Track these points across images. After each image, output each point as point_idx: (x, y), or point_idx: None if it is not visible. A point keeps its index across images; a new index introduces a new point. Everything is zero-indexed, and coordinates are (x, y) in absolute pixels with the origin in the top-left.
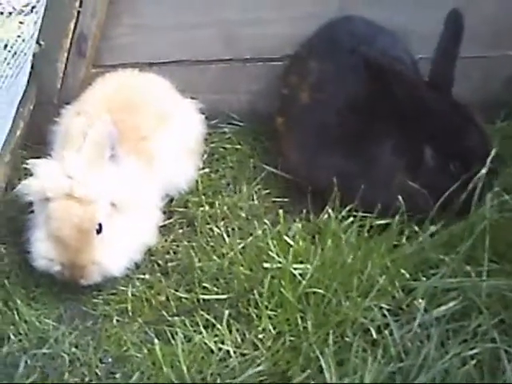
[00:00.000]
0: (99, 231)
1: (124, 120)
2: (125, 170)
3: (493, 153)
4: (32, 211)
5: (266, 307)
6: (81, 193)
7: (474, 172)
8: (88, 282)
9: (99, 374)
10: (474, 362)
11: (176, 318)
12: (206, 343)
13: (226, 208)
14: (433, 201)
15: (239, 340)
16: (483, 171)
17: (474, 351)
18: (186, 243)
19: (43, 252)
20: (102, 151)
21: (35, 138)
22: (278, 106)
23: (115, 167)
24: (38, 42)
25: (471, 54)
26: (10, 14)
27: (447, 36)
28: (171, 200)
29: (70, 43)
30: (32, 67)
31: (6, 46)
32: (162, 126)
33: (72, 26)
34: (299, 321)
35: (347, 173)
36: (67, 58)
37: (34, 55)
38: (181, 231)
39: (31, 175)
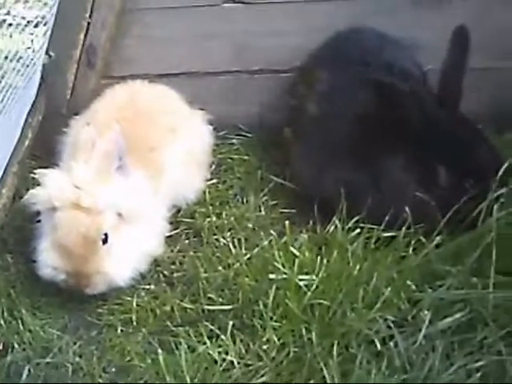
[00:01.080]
0: (105, 241)
1: (132, 131)
2: (132, 180)
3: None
4: (39, 221)
5: (271, 318)
6: (88, 203)
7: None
8: (93, 291)
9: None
10: (479, 374)
11: (180, 328)
12: (209, 354)
13: (232, 219)
14: (445, 215)
15: (243, 351)
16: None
17: (480, 363)
18: (192, 254)
19: (49, 261)
20: (110, 162)
21: (44, 149)
22: (287, 117)
23: (123, 178)
24: (47, 53)
25: (481, 66)
26: (19, 25)
27: (455, 51)
28: (178, 210)
29: (80, 54)
30: (42, 78)
31: (15, 56)
32: (171, 137)
33: (82, 37)
34: (304, 332)
35: (355, 185)
36: (77, 69)
37: (43, 66)
38: (187, 242)
39: (39, 185)
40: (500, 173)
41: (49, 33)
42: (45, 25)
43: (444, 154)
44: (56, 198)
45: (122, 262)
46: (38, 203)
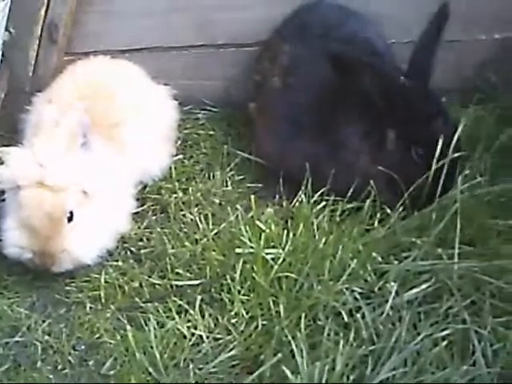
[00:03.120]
0: (70, 219)
1: (95, 107)
2: (97, 157)
3: (456, 138)
4: (3, 200)
5: (239, 292)
6: (52, 181)
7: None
8: (59, 269)
9: (72, 361)
10: (445, 343)
11: (149, 304)
12: (178, 329)
13: (199, 194)
14: (396, 186)
15: (212, 325)
16: (446, 160)
17: (446, 332)
18: (159, 230)
19: (14, 240)
20: (74, 139)
21: (7, 127)
22: (251, 92)
23: (87, 155)
24: (7, 30)
25: (445, 38)
26: None
27: (432, 27)
28: (144, 187)
29: (41, 30)
30: (2, 55)
31: None
32: (135, 112)
33: (43, 13)
34: (271, 305)
35: (317, 157)
36: (38, 46)
37: (3, 43)
38: (154, 218)
39: (2, 163)
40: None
41: (7, 9)
42: (3, 0)
43: (396, 120)
44: (20, 177)
45: (87, 239)
46: (1, 182)
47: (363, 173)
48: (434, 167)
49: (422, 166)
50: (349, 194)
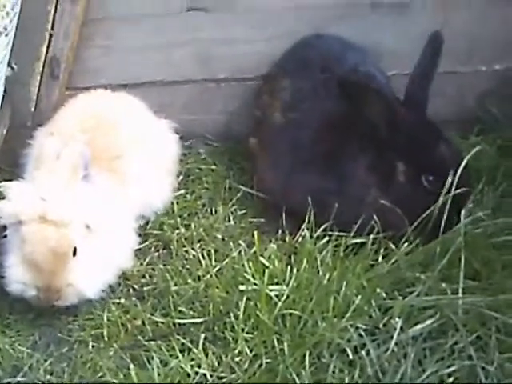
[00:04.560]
0: (74, 253)
1: (96, 140)
2: (98, 189)
3: (463, 163)
4: (5, 236)
5: (242, 330)
6: (55, 215)
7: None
8: (64, 303)
9: None
10: (451, 379)
11: (152, 342)
12: (182, 367)
13: (201, 230)
14: (407, 217)
15: (216, 363)
16: (449, 194)
17: (452, 369)
18: (161, 266)
19: (18, 276)
20: (76, 172)
21: (8, 161)
22: (251, 127)
23: (88, 187)
24: (9, 65)
25: (445, 70)
26: None
27: (426, 56)
28: (147, 223)
29: (43, 66)
30: (5, 91)
31: None
32: (136, 145)
33: (44, 48)
34: (275, 343)
35: (321, 192)
36: (40, 81)
37: (6, 78)
38: (156, 254)
39: (3, 198)
40: (465, 177)
41: (10, 44)
42: (6, 36)
43: (404, 151)
44: (22, 212)
45: (91, 273)
46: (3, 217)
47: (372, 206)
48: (447, 192)
49: (434, 192)
50: (355, 228)
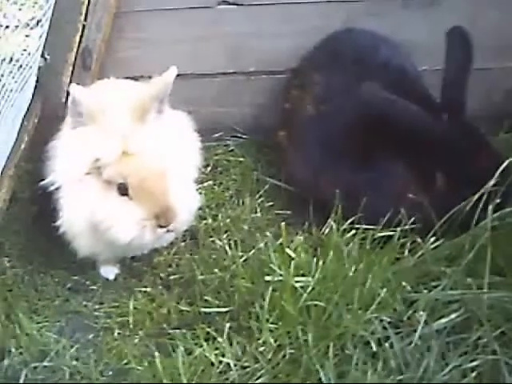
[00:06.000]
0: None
1: None
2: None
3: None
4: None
5: (267, 320)
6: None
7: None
8: (177, 225)
9: None
10: (474, 374)
11: (177, 330)
12: (206, 356)
13: (228, 221)
14: (441, 218)
15: (240, 353)
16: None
17: (475, 363)
18: (188, 256)
19: (132, 215)
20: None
21: (40, 151)
22: (280, 120)
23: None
24: (43, 56)
25: (474, 66)
26: (16, 27)
27: (452, 53)
28: None
29: (75, 57)
30: (37, 81)
31: (11, 59)
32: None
33: (77, 39)
34: (300, 333)
35: (352, 186)
36: (72, 72)
37: (39, 69)
38: (183, 244)
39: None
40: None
41: (44, 35)
42: (41, 27)
43: (443, 160)
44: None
45: (187, 196)
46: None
47: (408, 202)
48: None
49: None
50: (383, 222)
